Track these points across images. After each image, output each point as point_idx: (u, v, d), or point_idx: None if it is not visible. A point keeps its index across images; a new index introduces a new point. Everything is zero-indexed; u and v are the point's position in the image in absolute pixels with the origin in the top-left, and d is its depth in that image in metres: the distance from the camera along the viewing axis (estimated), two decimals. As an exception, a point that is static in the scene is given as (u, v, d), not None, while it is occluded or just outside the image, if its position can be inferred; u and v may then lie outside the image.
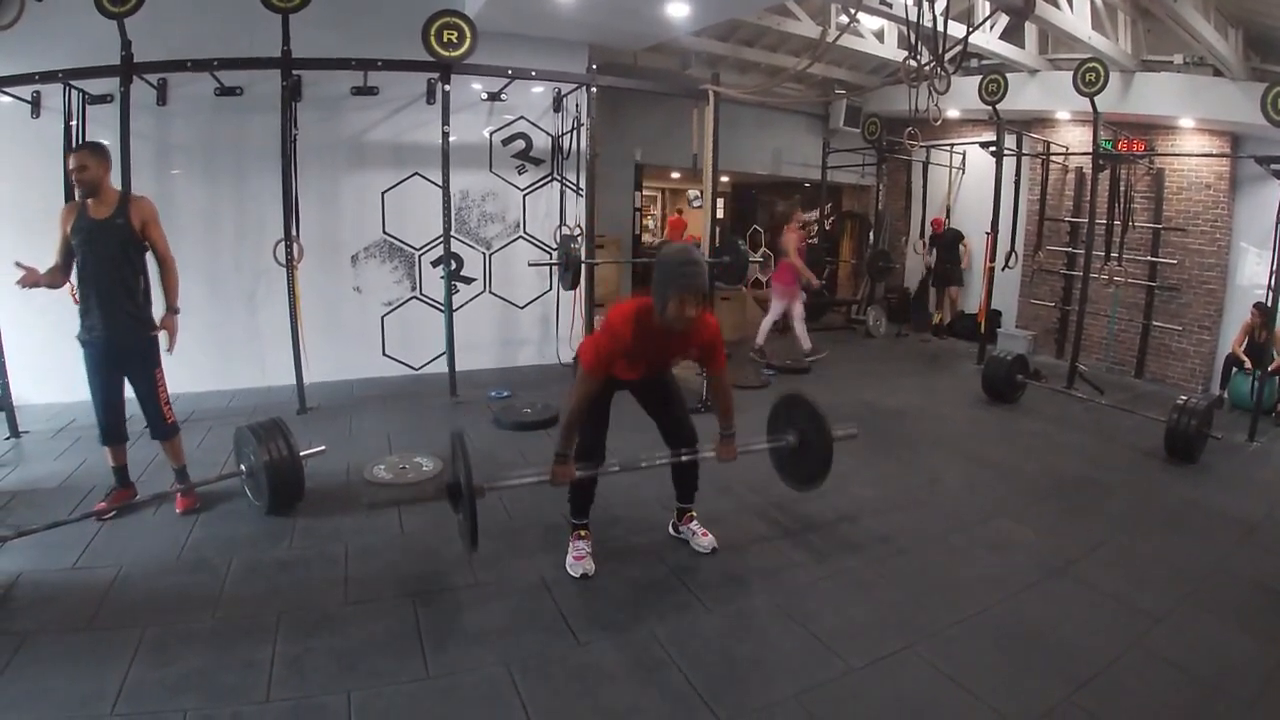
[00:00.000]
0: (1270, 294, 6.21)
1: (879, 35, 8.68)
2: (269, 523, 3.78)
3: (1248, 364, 7.01)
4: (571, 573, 3.34)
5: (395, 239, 6.84)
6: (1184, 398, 5.62)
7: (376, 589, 3.19)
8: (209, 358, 6.19)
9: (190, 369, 5.98)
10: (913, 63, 5.91)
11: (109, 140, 5.28)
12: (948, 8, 6.84)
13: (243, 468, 3.94)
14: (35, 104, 5.52)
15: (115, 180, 4.07)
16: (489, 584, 3.28)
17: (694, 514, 3.72)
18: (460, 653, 2.76)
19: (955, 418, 6.51)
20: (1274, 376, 6.70)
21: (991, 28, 7.79)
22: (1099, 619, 3.21)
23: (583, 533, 3.45)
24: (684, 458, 3.52)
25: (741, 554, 3.65)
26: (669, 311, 2.96)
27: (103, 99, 5.45)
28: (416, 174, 6.73)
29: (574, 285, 6.39)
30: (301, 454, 3.91)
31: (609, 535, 3.59)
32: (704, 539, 3.64)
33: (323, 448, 4.26)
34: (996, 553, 3.82)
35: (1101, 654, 2.91)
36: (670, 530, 3.78)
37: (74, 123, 5.40)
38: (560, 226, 7.25)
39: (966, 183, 10.38)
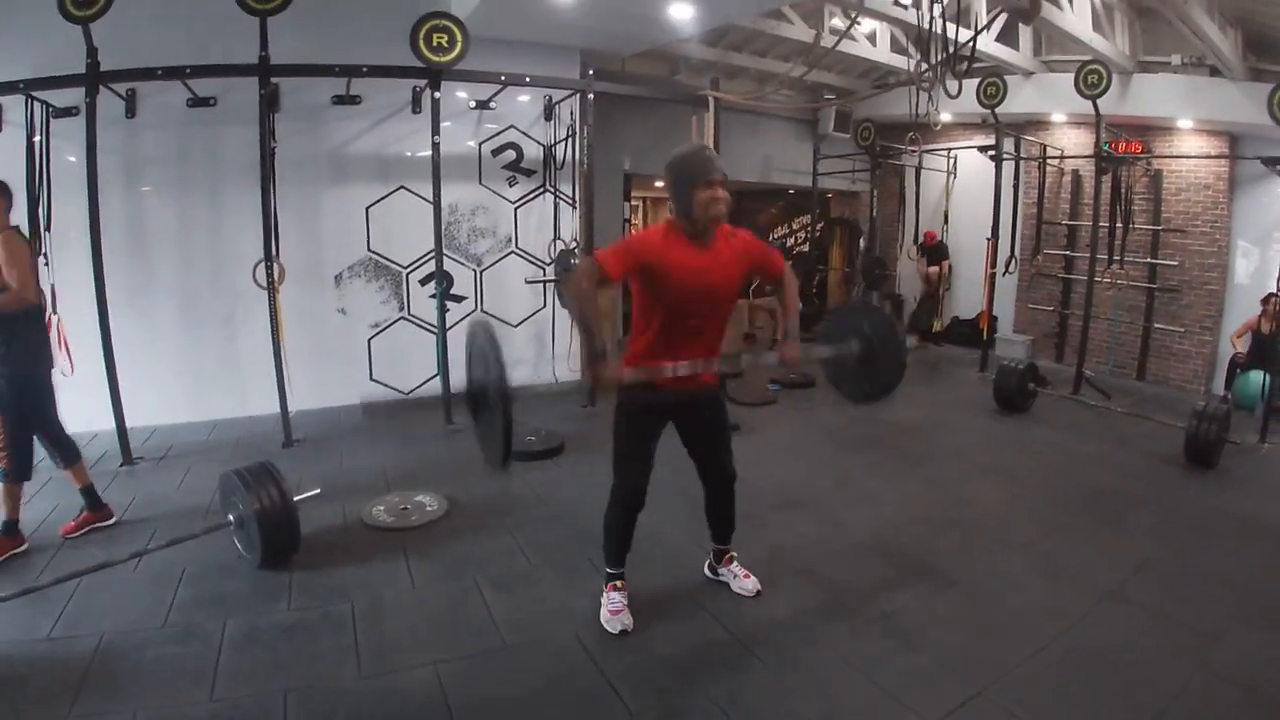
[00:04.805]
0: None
1: (871, 38, 8.50)
2: (263, 578, 3.40)
3: (1240, 353, 7.17)
4: (609, 629, 3.02)
5: (381, 257, 6.48)
6: (1202, 403, 5.58)
7: (393, 657, 2.83)
8: (184, 386, 5.80)
9: (164, 399, 5.65)
10: (924, 66, 5.73)
11: (75, 156, 4.96)
12: (958, 11, 6.68)
13: (231, 517, 3.56)
14: (-4, 117, 5.11)
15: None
16: (519, 646, 2.95)
17: (733, 554, 3.43)
18: (497, 732, 2.44)
19: (970, 429, 6.35)
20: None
21: (988, 30, 7.63)
22: (1160, 642, 3.09)
23: (618, 583, 3.12)
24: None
25: (785, 595, 3.36)
26: (699, 204, 2.74)
27: (68, 111, 5.03)
28: (402, 187, 6.38)
29: (574, 302, 6.08)
30: (295, 499, 3.55)
31: (640, 581, 3.25)
32: (747, 581, 3.36)
33: (317, 490, 3.91)
34: (1046, 577, 3.65)
35: (1170, 680, 2.81)
36: (706, 572, 3.48)
37: (38, 138, 4.99)
38: (555, 240, 6.94)
39: (959, 187, 10.22)
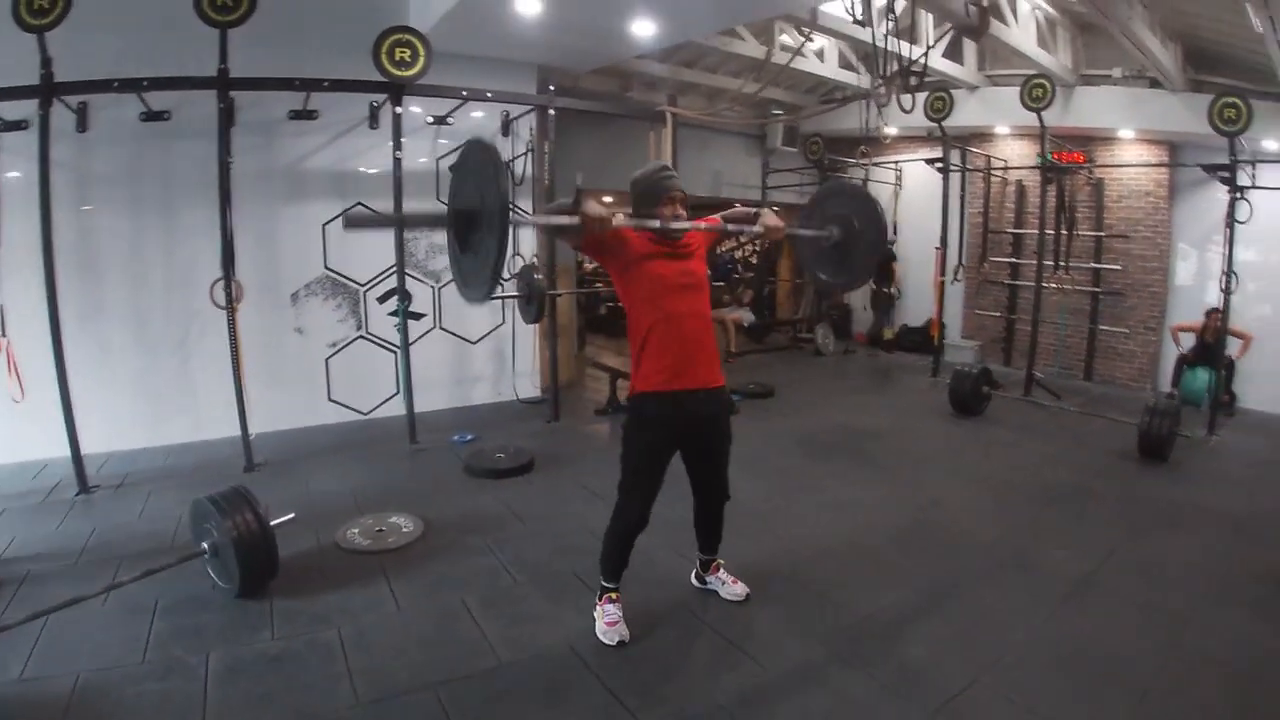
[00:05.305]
0: (1225, 279, 6.31)
1: (820, 55, 8.66)
2: (241, 608, 3.26)
3: (1185, 351, 7.55)
4: (606, 640, 2.98)
5: (338, 274, 6.34)
6: (1152, 400, 5.85)
7: (389, 682, 2.75)
8: (137, 411, 5.58)
9: (117, 424, 5.43)
10: (878, 81, 5.89)
11: (21, 171, 4.76)
12: (911, 27, 6.88)
13: (204, 546, 3.41)
14: (-58, 132, 4.84)
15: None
16: (516, 662, 2.89)
17: (720, 562, 3.44)
18: (507, 751, 2.38)
19: (930, 434, 6.49)
20: (1222, 370, 6.89)
21: (934, 46, 7.86)
22: (1136, 626, 3.26)
23: (613, 595, 3.09)
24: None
25: (774, 599, 3.40)
26: (662, 218, 2.92)
27: (18, 125, 4.81)
28: (360, 204, 6.25)
29: (539, 318, 6.02)
30: (271, 524, 3.43)
31: (629, 595, 3.20)
32: (735, 587, 3.37)
33: (292, 515, 3.74)
34: (1023, 571, 3.77)
35: (1150, 661, 2.97)
36: (694, 581, 3.48)
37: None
38: (514, 255, 6.89)
39: (906, 199, 10.49)
